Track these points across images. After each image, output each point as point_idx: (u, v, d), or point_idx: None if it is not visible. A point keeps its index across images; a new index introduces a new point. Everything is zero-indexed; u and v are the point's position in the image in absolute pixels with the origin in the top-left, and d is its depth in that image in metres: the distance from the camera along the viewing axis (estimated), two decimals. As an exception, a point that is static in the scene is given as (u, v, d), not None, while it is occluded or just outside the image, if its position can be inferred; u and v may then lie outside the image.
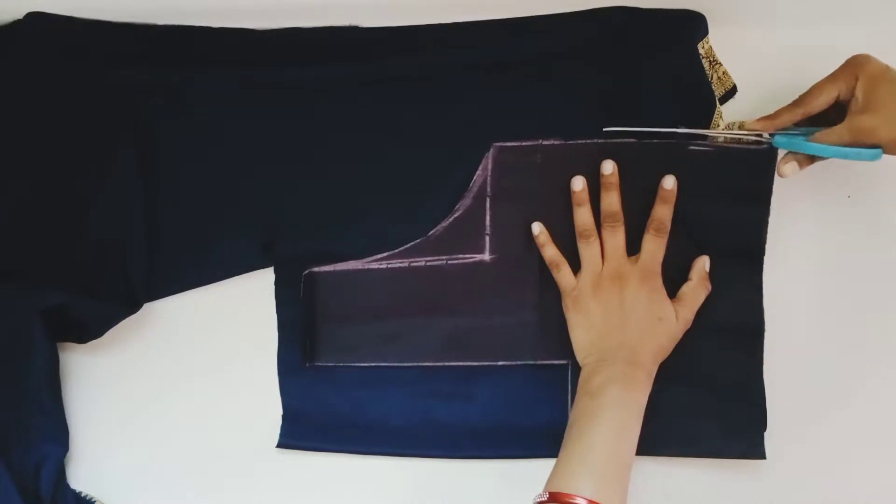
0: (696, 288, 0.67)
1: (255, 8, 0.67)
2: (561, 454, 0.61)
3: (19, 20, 0.67)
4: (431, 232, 0.69)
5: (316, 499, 0.70)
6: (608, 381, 0.62)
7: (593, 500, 0.56)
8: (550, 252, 0.68)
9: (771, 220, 0.69)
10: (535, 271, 0.69)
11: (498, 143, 0.69)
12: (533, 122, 0.69)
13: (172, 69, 0.69)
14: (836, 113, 0.64)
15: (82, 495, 0.68)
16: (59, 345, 0.68)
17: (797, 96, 0.66)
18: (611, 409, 0.61)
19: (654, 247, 0.66)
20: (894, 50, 0.64)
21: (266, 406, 0.70)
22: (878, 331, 0.72)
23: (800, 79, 0.66)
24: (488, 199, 0.69)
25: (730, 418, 0.68)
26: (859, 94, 0.62)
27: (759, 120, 0.67)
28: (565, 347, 0.68)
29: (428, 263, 0.69)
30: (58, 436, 0.67)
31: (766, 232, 0.68)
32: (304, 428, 0.70)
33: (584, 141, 0.68)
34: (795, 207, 0.71)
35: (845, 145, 0.62)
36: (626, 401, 0.62)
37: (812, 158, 0.66)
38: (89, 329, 0.67)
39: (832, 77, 0.64)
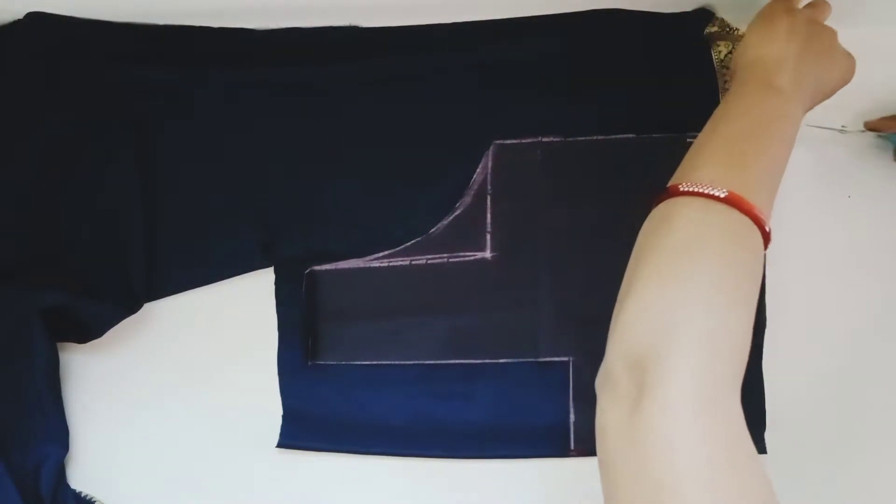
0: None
1: (255, 8, 0.67)
2: (707, 142, 0.54)
3: (19, 20, 0.67)
4: (432, 230, 0.69)
5: (316, 499, 0.70)
6: (792, 85, 0.56)
7: (735, 191, 0.49)
8: None
9: (771, 220, 0.69)
10: (536, 268, 0.69)
11: (498, 141, 0.69)
12: (532, 121, 0.69)
13: (172, 69, 0.69)
14: None
15: (82, 495, 0.68)
16: (59, 345, 0.68)
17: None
18: (769, 107, 0.55)
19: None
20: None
21: (266, 406, 0.70)
22: (877, 330, 0.72)
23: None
24: (489, 197, 0.69)
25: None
26: None
27: (882, 119, 0.67)
28: (567, 344, 0.68)
29: (429, 262, 0.69)
30: (58, 436, 0.67)
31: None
32: (304, 428, 0.70)
33: (583, 138, 0.68)
34: (795, 207, 0.71)
35: None
36: (794, 113, 0.56)
37: None
38: (89, 329, 0.67)
39: None
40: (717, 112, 0.56)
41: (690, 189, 0.50)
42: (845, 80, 0.62)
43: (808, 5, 0.62)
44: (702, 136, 0.55)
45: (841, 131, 0.69)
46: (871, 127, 0.69)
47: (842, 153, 0.71)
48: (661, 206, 0.51)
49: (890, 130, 0.68)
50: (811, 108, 0.60)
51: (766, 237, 0.51)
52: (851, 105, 0.69)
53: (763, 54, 0.58)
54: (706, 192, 0.50)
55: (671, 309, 0.46)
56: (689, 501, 0.41)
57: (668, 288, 0.47)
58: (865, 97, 0.70)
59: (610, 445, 0.45)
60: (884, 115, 0.70)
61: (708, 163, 0.52)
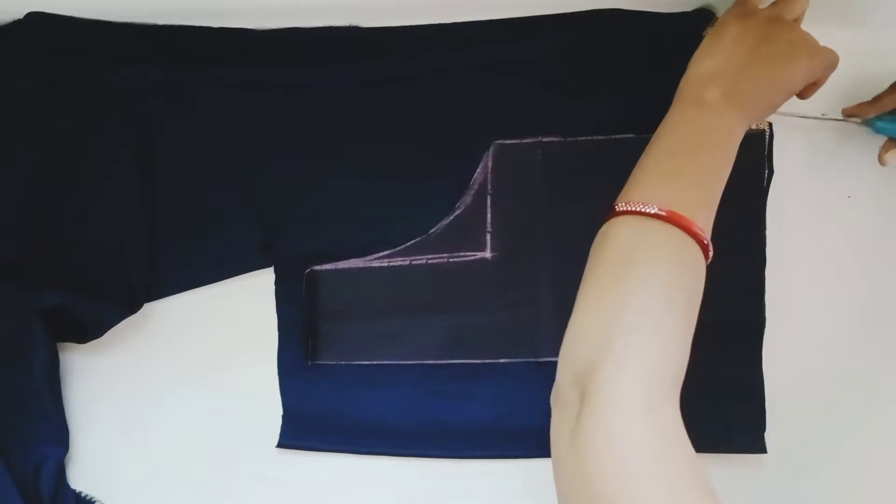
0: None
1: (255, 8, 0.67)
2: (641, 162, 0.56)
3: (19, 20, 0.67)
4: (433, 230, 0.69)
5: (316, 499, 0.70)
6: (725, 97, 0.56)
7: (667, 207, 0.51)
8: None
9: (771, 220, 0.69)
10: (536, 268, 0.69)
11: (498, 141, 0.69)
12: (532, 121, 0.69)
13: (172, 69, 0.68)
14: None
15: (82, 495, 0.68)
16: (59, 345, 0.68)
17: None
18: (713, 124, 0.55)
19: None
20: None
21: (266, 406, 0.70)
22: (877, 330, 0.72)
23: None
24: (489, 197, 0.69)
25: (730, 415, 0.68)
26: None
27: (859, 105, 0.66)
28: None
29: (429, 261, 0.69)
30: (58, 436, 0.67)
31: (764, 224, 0.68)
32: (304, 428, 0.70)
33: (584, 138, 0.68)
34: (795, 207, 0.71)
35: None
36: (728, 125, 0.56)
37: None
38: (89, 329, 0.67)
39: None
40: (656, 132, 0.57)
41: (625, 208, 0.53)
42: (815, 75, 0.60)
43: (773, 4, 0.62)
44: (641, 156, 0.56)
45: (821, 119, 0.69)
46: (848, 113, 0.68)
47: (841, 152, 0.71)
48: (603, 227, 0.54)
49: (866, 115, 0.67)
50: (766, 112, 0.60)
51: (706, 249, 0.52)
52: (833, 92, 0.69)
53: (698, 70, 0.59)
54: (638, 209, 0.52)
55: (607, 321, 0.48)
56: None
57: (605, 302, 0.49)
58: (846, 84, 0.69)
59: (559, 455, 0.48)
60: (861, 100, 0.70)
61: (641, 181, 0.54)
